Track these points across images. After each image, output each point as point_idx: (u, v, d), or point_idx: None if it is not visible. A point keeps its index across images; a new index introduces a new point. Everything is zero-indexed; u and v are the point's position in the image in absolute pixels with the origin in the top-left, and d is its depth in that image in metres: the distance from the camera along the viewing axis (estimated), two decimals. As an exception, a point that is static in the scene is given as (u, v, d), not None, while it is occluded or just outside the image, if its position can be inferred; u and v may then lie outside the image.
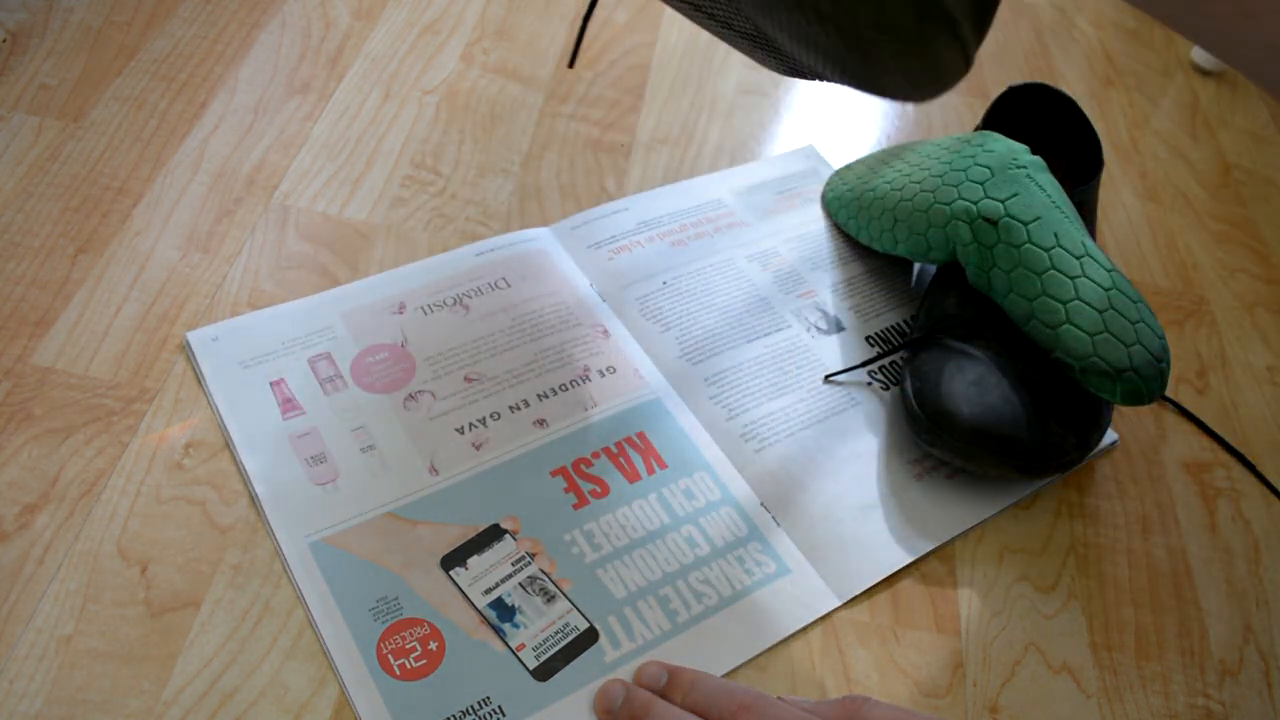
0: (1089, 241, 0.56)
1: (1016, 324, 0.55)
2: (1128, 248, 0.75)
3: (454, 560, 0.50)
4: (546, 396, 0.57)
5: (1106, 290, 0.54)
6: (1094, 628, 0.53)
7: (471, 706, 0.45)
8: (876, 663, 0.50)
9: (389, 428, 0.55)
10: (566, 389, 0.58)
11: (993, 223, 0.56)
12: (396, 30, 0.78)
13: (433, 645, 0.47)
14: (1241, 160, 0.84)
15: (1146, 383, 0.53)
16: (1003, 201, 0.56)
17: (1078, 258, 0.55)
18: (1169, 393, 0.65)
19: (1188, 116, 0.88)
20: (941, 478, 0.57)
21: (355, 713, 0.45)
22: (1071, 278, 0.54)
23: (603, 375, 0.59)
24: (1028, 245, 0.55)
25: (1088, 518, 0.58)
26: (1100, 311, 0.54)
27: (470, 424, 0.55)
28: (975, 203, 0.57)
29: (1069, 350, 0.53)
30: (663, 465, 0.55)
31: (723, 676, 0.48)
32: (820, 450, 0.57)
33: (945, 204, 0.58)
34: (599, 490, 0.54)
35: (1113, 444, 0.61)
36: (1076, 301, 0.54)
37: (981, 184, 0.57)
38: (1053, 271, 0.54)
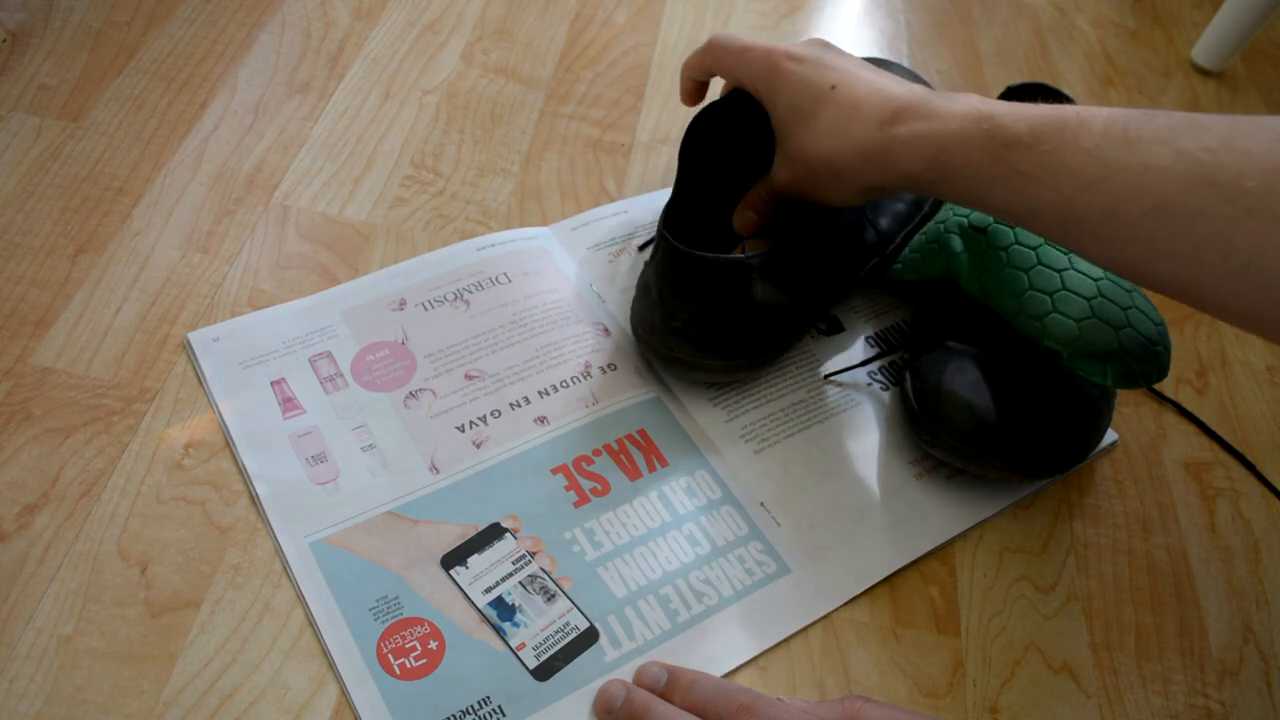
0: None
1: (1008, 322, 0.55)
2: (1128, 248, 0.75)
3: (454, 559, 0.50)
4: (547, 393, 0.57)
5: (1096, 281, 0.55)
6: (1094, 628, 0.53)
7: (471, 706, 0.45)
8: (876, 663, 0.50)
9: (389, 426, 0.55)
10: (568, 385, 0.58)
11: (981, 231, 0.57)
12: (396, 30, 0.78)
13: (433, 645, 0.47)
14: (1241, 160, 0.84)
15: (1140, 363, 0.53)
16: None
17: (1065, 253, 0.55)
18: (1169, 393, 0.65)
19: (1188, 116, 0.88)
20: (941, 478, 0.57)
21: (355, 712, 0.45)
22: (1058, 270, 0.55)
23: (604, 372, 0.59)
24: (1015, 245, 0.56)
25: (1088, 518, 0.58)
26: (1088, 299, 0.54)
27: (471, 422, 0.55)
28: (966, 215, 0.59)
29: (1055, 337, 0.53)
30: (664, 463, 0.55)
31: (723, 676, 0.48)
32: (820, 450, 0.57)
33: (939, 221, 0.60)
34: (600, 488, 0.54)
35: (1113, 444, 0.61)
36: (1063, 291, 0.54)
37: None
38: (1039, 267, 0.55)
